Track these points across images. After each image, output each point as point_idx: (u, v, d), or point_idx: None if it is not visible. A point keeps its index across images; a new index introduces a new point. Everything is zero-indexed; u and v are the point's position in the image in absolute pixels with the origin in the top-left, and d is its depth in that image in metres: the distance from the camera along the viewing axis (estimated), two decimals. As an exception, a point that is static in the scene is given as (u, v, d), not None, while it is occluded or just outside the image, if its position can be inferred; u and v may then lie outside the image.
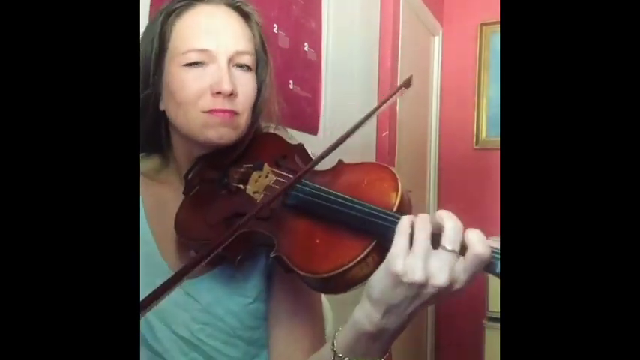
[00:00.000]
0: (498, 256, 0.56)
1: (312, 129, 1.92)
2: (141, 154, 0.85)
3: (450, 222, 0.57)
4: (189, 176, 0.79)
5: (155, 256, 0.79)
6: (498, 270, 0.56)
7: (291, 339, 0.78)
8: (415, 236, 0.57)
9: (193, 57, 0.73)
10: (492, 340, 2.70)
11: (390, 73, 2.54)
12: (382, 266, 0.58)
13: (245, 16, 0.78)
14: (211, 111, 0.73)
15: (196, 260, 0.55)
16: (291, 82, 1.77)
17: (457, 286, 0.57)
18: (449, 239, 0.56)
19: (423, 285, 0.56)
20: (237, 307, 0.78)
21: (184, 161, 0.81)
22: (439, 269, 0.55)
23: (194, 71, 0.73)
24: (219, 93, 0.72)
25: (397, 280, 0.56)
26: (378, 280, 0.58)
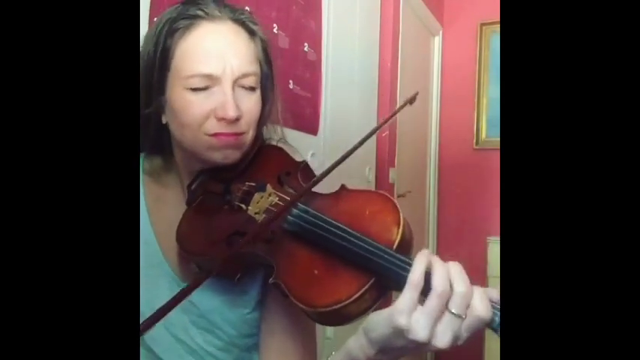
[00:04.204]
0: (498, 312, 0.57)
1: (312, 129, 1.92)
2: (144, 154, 0.85)
3: (461, 286, 0.56)
4: (193, 187, 0.78)
5: (157, 256, 0.79)
6: (497, 325, 0.57)
7: (282, 352, 0.78)
8: (432, 298, 0.56)
9: (198, 82, 0.71)
10: (492, 340, 2.70)
11: (390, 73, 2.54)
12: (385, 313, 0.58)
13: (250, 32, 0.76)
14: (216, 134, 0.72)
15: (195, 283, 0.54)
16: (291, 82, 1.77)
17: (458, 343, 0.57)
18: (457, 305, 0.56)
19: (425, 344, 0.56)
20: (235, 317, 0.78)
21: (186, 171, 0.80)
22: (443, 332, 0.56)
23: (199, 95, 0.71)
24: (224, 118, 0.71)
25: (399, 333, 0.56)
26: (379, 324, 0.58)
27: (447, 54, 3.34)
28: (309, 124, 1.90)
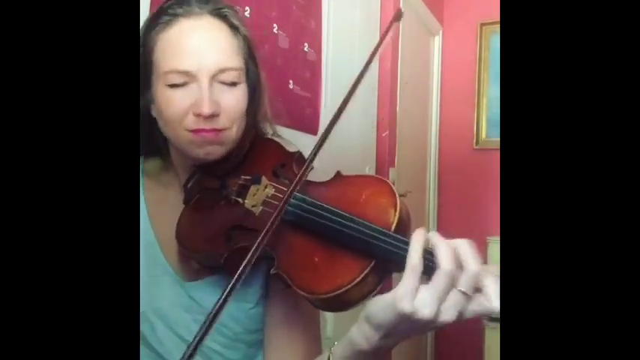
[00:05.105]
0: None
1: (312, 129, 1.92)
2: (143, 156, 0.85)
3: (472, 265, 0.56)
4: (189, 185, 0.79)
5: (158, 257, 0.79)
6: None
7: (286, 343, 0.78)
8: (439, 277, 0.56)
9: (175, 78, 0.72)
10: (492, 340, 2.70)
11: (390, 73, 2.54)
12: (387, 300, 0.57)
13: (232, 27, 0.76)
14: (195, 130, 0.72)
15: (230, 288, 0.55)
16: (291, 82, 1.77)
17: (460, 319, 0.57)
18: (467, 284, 0.56)
19: (430, 321, 0.56)
20: (239, 313, 0.78)
21: (182, 168, 0.81)
22: (449, 308, 0.56)
23: (177, 91, 0.72)
24: (200, 114, 0.71)
25: (404, 318, 0.56)
26: (381, 311, 0.58)
27: (447, 54, 3.34)
28: (309, 124, 1.89)
